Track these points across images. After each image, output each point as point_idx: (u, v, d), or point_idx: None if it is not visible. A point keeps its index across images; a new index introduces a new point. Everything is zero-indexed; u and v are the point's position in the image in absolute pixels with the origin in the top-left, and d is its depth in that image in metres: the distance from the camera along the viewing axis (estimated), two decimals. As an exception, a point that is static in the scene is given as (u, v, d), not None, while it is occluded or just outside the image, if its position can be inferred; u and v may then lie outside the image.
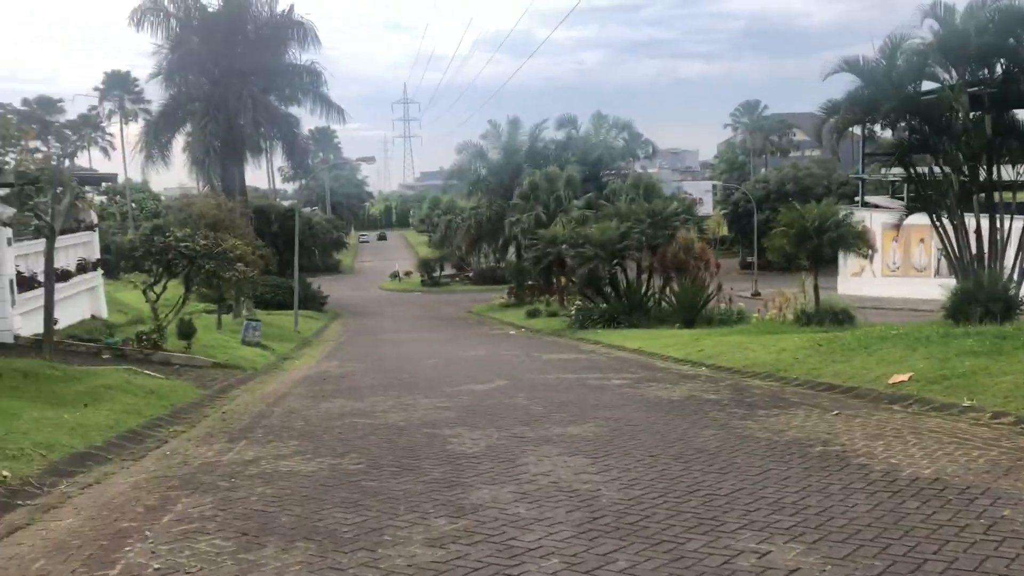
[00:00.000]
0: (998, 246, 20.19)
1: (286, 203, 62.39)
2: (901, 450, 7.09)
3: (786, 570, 4.46)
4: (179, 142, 40.10)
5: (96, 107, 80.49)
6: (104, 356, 15.75)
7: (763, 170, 79.23)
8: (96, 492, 6.72)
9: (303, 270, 39.66)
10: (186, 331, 18.12)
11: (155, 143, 39.14)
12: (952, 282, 18.63)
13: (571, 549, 4.91)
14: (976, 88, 20.10)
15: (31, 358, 12.88)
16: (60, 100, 77.00)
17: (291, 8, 39.83)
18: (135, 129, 57.42)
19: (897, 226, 24.42)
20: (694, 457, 7.21)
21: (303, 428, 9.46)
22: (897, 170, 29.50)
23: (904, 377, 10.24)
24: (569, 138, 57.85)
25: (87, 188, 18.86)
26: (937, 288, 18.47)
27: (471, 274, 68.41)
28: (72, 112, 75.42)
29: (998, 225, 20.22)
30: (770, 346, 15.10)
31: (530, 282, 45.23)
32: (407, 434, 8.81)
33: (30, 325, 16.42)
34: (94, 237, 22.43)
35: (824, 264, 25.60)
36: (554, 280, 37.36)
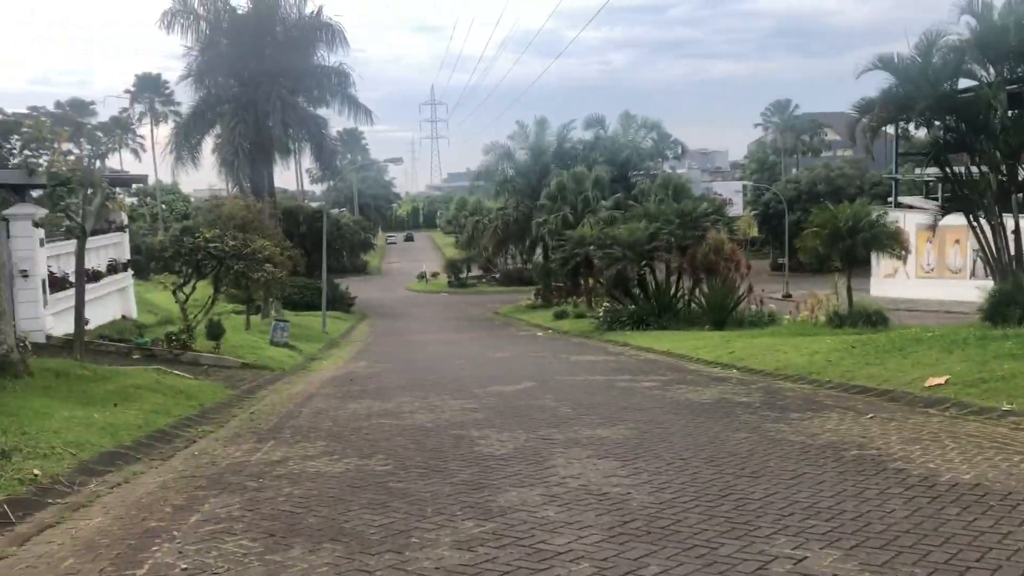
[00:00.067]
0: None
1: (314, 204, 62.79)
2: (939, 454, 6.92)
3: (823, 577, 4.35)
4: (208, 143, 40.39)
5: (127, 109, 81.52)
6: (134, 356, 15.89)
7: (794, 170, 78.43)
8: (125, 491, 6.72)
9: (331, 271, 39.85)
10: (215, 332, 18.24)
11: (185, 144, 39.44)
12: (989, 284, 18.26)
13: (601, 553, 4.82)
14: (1015, 85, 19.69)
15: (62, 358, 13.01)
16: (92, 103, 78.16)
17: (319, 10, 39.92)
18: (165, 131, 58.12)
19: (932, 227, 23.96)
20: (726, 460, 7.09)
21: (330, 429, 9.44)
22: (932, 170, 29.04)
23: (940, 380, 10.02)
24: (597, 138, 57.63)
25: (117, 189, 19.04)
26: (973, 290, 18.11)
27: (498, 275, 68.41)
28: (104, 114, 76.59)
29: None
30: (802, 348, 14.88)
31: (557, 283, 45.13)
32: (434, 435, 8.76)
33: (62, 325, 16.61)
34: (124, 238, 22.71)
35: (857, 266, 25.25)
36: (581, 281, 37.23)
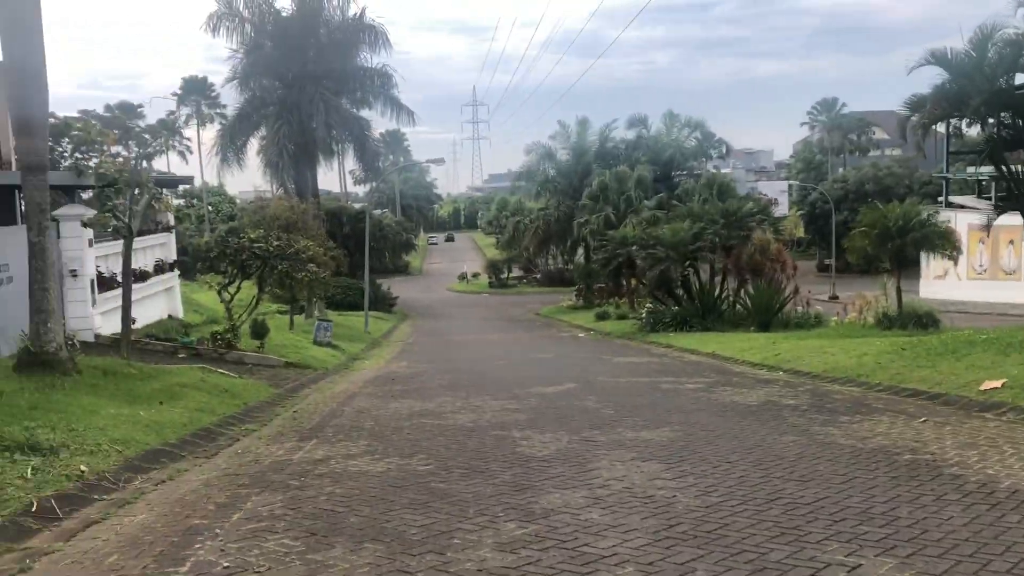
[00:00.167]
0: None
1: (357, 205, 63.20)
2: (998, 460, 6.70)
3: (879, 586, 4.21)
4: (254, 145, 40.77)
5: (174, 112, 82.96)
6: (180, 355, 16.09)
7: (841, 170, 77.10)
8: (169, 489, 6.76)
9: (373, 272, 40.06)
10: (259, 331, 18.42)
11: (230, 146, 39.90)
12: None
13: (647, 557, 4.72)
14: (1076, 79, 19.07)
15: (110, 356, 13.20)
16: (140, 106, 79.65)
17: (363, 11, 40.09)
18: (211, 133, 58.88)
19: (986, 227, 23.34)
20: (773, 464, 6.93)
21: (372, 428, 9.43)
22: (986, 168, 28.28)
23: (997, 384, 9.72)
24: (639, 138, 57.20)
25: (164, 190, 19.33)
26: (1028, 291, 17.58)
27: (539, 276, 68.29)
28: (152, 117, 78.00)
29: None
30: (850, 350, 14.58)
31: (599, 284, 44.86)
32: (476, 436, 8.70)
33: (110, 324, 16.90)
34: (171, 238, 23.02)
35: (905, 267, 24.69)
36: (624, 282, 36.96)
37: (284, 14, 39.35)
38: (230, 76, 39.73)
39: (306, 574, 4.64)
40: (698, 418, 9.39)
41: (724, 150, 62.64)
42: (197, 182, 67.31)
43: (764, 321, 24.47)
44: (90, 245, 17.13)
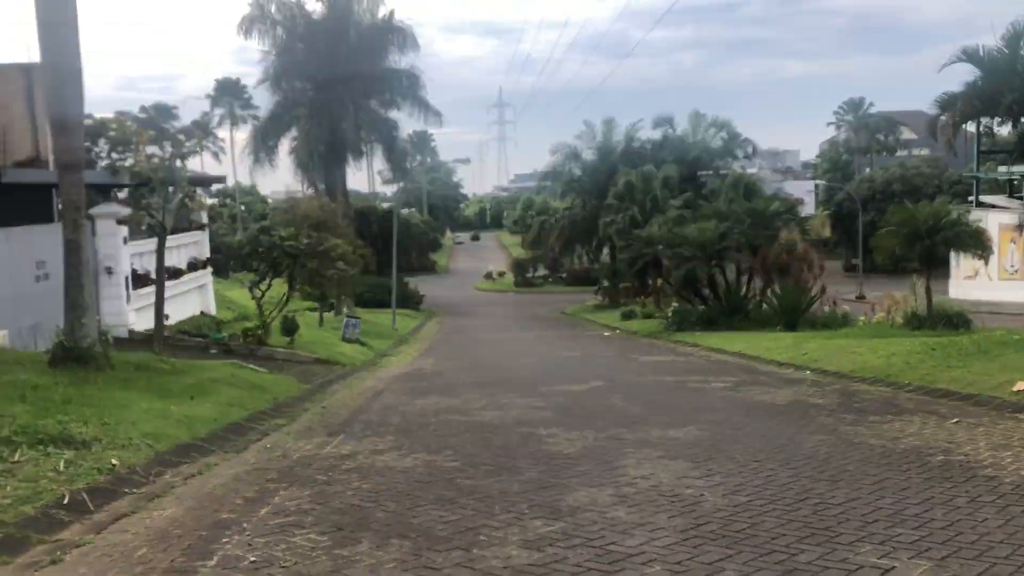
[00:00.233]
0: None
1: (385, 205, 63.43)
2: (1032, 462, 6.59)
3: (912, 588, 4.15)
4: (285, 146, 41.23)
5: (208, 113, 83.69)
6: (211, 351, 16.22)
7: (868, 169, 76.21)
8: (198, 483, 6.82)
9: (400, 270, 40.19)
10: (289, 327, 18.55)
11: (262, 147, 40.38)
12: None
13: (675, 556, 4.69)
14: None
15: (143, 352, 13.33)
16: (175, 107, 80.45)
17: (391, 13, 40.32)
18: (243, 134, 59.48)
19: (1018, 226, 23.03)
20: (802, 463, 6.87)
21: (399, 424, 9.46)
22: (1017, 167, 27.85)
23: (1031, 384, 9.57)
24: (665, 138, 56.79)
25: (198, 189, 19.52)
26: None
27: (564, 275, 68.20)
28: (186, 117, 78.64)
29: None
30: (879, 350, 14.41)
31: (624, 283, 44.69)
32: (502, 432, 8.70)
33: (144, 320, 17.08)
34: (205, 237, 23.23)
35: (934, 267, 24.35)
36: (649, 281, 36.80)
37: (315, 17, 39.69)
38: (262, 78, 40.28)
39: (332, 569, 4.65)
40: (725, 417, 9.33)
41: (751, 150, 62.01)
42: (230, 182, 68.01)
43: (791, 321, 24.26)
44: (125, 243, 17.36)
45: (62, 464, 6.59)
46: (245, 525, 5.50)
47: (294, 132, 40.78)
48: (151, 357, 12.57)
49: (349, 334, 22.98)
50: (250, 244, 19.48)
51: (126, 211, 16.74)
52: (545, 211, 65.18)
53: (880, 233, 24.44)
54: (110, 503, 6.08)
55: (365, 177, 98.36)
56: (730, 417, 9.32)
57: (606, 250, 52.75)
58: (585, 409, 10.19)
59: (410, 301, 45.02)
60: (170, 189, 14.97)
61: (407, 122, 44.11)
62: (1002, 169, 41.09)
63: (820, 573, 4.39)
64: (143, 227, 17.41)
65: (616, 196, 49.14)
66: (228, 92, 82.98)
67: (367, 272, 32.11)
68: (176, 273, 19.67)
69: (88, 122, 14.67)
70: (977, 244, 23.10)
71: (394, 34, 39.97)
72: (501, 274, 75.22)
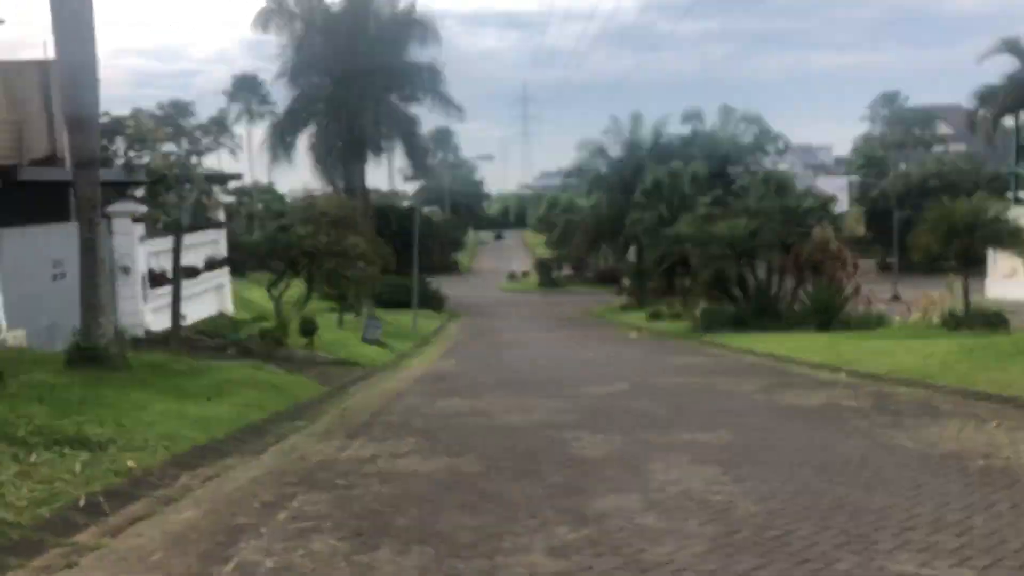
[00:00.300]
0: None
1: (405, 203, 63.41)
2: (1080, 468, 6.31)
3: (959, 602, 3.93)
4: (303, 142, 40.67)
5: (224, 109, 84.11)
6: (229, 351, 16.14)
7: (903, 165, 75.08)
8: (215, 485, 6.69)
9: (422, 270, 40.10)
10: (308, 328, 18.47)
11: (280, 143, 39.99)
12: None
13: (706, 565, 4.51)
14: None
15: (160, 352, 13.28)
16: (191, 103, 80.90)
17: (412, 5, 39.61)
18: (261, 131, 59.58)
19: (1061, 224, 22.45)
20: (837, 469, 6.64)
21: (421, 426, 9.30)
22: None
23: (1074, 386, 9.25)
24: (694, 133, 56.15)
25: (214, 187, 19.50)
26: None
27: (589, 274, 67.85)
28: (203, 114, 79.08)
29: None
30: (915, 351, 14.10)
31: (652, 283, 44.28)
32: (526, 436, 8.51)
33: (160, 320, 17.02)
34: (222, 235, 23.14)
35: (971, 265, 23.87)
36: (677, 281, 36.42)
37: (333, 10, 39.19)
38: (280, 72, 39.68)
39: (351, 577, 4.50)
40: (756, 420, 9.11)
41: (782, 145, 61.17)
42: (247, 180, 68.11)
43: (824, 321, 23.86)
44: (141, 241, 17.29)
45: (78, 466, 6.49)
46: (263, 530, 5.36)
47: (312, 128, 40.26)
48: (168, 357, 12.51)
49: (369, 335, 22.89)
50: (268, 243, 19.43)
51: (142, 209, 16.70)
52: (570, 209, 64.79)
53: (917, 231, 23.99)
54: (126, 506, 5.96)
55: (385, 174, 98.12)
56: (762, 421, 9.10)
57: (632, 249, 52.37)
58: (611, 412, 9.99)
59: (432, 301, 44.87)
60: (186, 186, 14.91)
61: (428, 118, 43.77)
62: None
63: (861, 586, 4.18)
64: (159, 225, 17.37)
65: (643, 193, 48.70)
66: (245, 88, 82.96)
67: (387, 272, 31.97)
68: (193, 272, 19.60)
69: (104, 120, 14.64)
70: (1016, 242, 22.61)
71: (414, 27, 39.13)
72: (525, 274, 74.95)
